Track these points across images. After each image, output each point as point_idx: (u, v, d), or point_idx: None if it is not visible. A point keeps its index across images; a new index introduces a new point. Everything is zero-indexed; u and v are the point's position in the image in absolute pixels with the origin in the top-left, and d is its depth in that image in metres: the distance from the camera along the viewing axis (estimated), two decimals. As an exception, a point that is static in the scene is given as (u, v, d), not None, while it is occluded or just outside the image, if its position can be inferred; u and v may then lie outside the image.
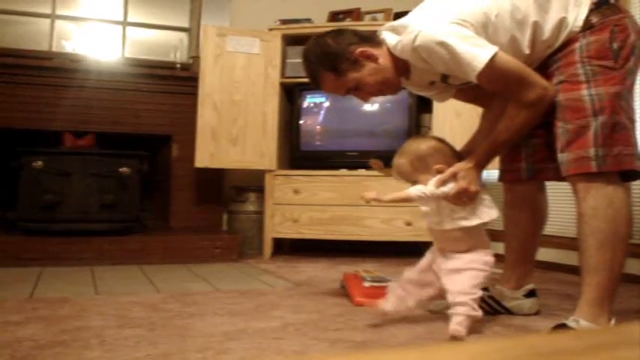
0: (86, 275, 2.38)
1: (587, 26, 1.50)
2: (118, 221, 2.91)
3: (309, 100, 3.22)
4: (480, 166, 1.55)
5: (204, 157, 3.05)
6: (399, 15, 3.49)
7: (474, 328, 1.58)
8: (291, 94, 3.28)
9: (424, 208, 1.58)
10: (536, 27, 1.51)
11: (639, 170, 1.47)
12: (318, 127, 3.23)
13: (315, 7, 3.56)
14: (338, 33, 1.67)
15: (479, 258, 1.53)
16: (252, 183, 3.33)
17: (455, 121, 2.89)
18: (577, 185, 1.47)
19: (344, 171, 3.07)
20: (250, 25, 3.37)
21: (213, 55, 3.07)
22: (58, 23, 3.37)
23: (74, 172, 2.84)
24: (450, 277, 1.52)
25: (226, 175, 3.45)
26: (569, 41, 1.52)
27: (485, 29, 1.49)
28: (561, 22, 1.51)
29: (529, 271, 1.79)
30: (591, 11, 1.50)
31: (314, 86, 1.71)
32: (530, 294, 1.77)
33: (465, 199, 1.51)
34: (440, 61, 1.48)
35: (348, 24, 3.34)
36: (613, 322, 1.45)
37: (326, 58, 1.61)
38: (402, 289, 1.60)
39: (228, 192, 3.45)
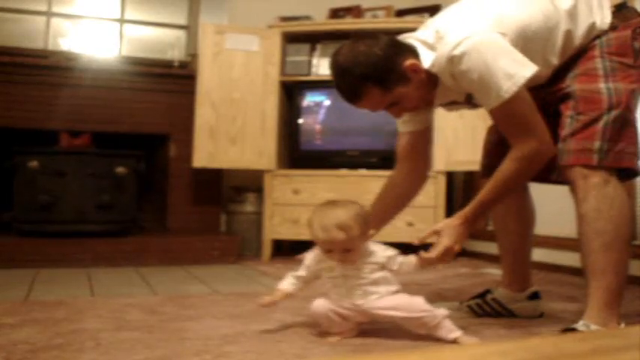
0: (82, 277, 2.36)
1: (610, 28, 1.50)
2: (115, 222, 2.89)
3: (308, 99, 3.20)
4: (469, 223, 1.47)
5: (202, 156, 3.02)
6: (400, 12, 3.48)
7: (478, 330, 1.55)
8: (290, 93, 3.26)
9: (331, 276, 1.46)
10: (569, 36, 1.48)
11: (636, 169, 1.46)
12: (318, 126, 3.20)
13: (314, 4, 3.54)
14: (375, 40, 1.44)
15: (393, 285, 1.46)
16: (251, 183, 3.31)
17: (458, 122, 2.87)
18: (576, 183, 1.44)
19: (344, 171, 3.04)
20: (249, 22, 3.34)
21: (211, 53, 3.04)
22: (54, 21, 3.35)
23: (70, 173, 2.82)
24: (391, 304, 1.42)
25: (225, 175, 3.43)
26: (592, 40, 1.51)
27: (521, 41, 1.42)
28: (591, 27, 1.49)
29: (528, 272, 1.77)
30: (613, 14, 1.50)
31: (349, 101, 1.48)
32: (534, 296, 1.76)
33: (447, 257, 1.46)
34: (467, 79, 1.39)
35: (348, 21, 3.32)
36: (623, 325, 1.42)
37: (374, 70, 1.40)
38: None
39: (227, 192, 3.42)
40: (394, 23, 3.25)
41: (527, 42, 1.42)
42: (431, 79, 1.47)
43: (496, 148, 1.69)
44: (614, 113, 1.42)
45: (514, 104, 1.38)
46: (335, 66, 1.46)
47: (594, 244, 1.41)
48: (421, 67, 1.44)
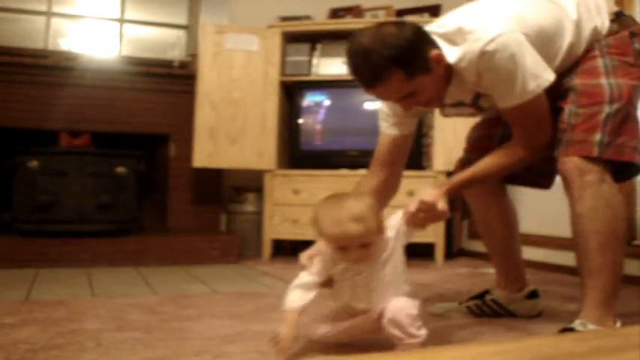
0: (82, 277, 2.36)
1: (610, 33, 1.51)
2: (115, 222, 2.89)
3: (308, 99, 3.20)
4: (450, 194, 1.44)
5: (203, 156, 3.02)
6: (400, 12, 3.47)
7: (478, 330, 1.55)
8: (290, 93, 3.25)
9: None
10: (574, 44, 1.49)
11: (637, 164, 1.45)
12: (318, 126, 3.20)
13: (314, 4, 3.54)
14: (402, 25, 1.40)
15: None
16: (251, 183, 3.31)
17: (458, 121, 2.86)
18: (571, 179, 1.43)
19: (344, 170, 3.04)
20: (249, 22, 3.34)
21: (211, 53, 3.04)
22: (54, 21, 3.35)
23: (70, 172, 2.82)
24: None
25: (225, 175, 3.43)
26: (592, 43, 1.52)
27: (538, 44, 1.43)
28: (593, 31, 1.50)
29: (521, 271, 1.77)
30: (612, 21, 1.52)
31: (366, 84, 1.39)
32: (532, 295, 1.76)
33: (430, 220, 1.39)
34: (493, 76, 1.39)
35: (348, 21, 3.32)
36: (619, 324, 1.43)
37: (403, 53, 1.33)
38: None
39: (227, 192, 3.42)
40: (394, 23, 3.24)
41: (542, 45, 1.43)
42: (447, 74, 1.45)
43: (478, 142, 1.72)
44: (615, 106, 1.42)
45: (535, 104, 1.40)
46: (357, 46, 1.36)
47: (590, 244, 1.41)
48: (445, 59, 1.42)
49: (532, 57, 1.38)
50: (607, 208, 1.40)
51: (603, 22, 1.51)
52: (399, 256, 1.35)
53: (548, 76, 1.40)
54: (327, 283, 1.37)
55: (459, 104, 1.57)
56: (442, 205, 1.38)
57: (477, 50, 1.37)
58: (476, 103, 1.54)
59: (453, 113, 1.65)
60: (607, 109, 1.42)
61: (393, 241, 1.34)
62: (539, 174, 1.67)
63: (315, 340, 1.39)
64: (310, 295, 1.33)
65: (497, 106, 1.46)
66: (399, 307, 1.27)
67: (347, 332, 1.36)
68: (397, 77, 1.35)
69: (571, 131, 1.44)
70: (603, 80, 1.45)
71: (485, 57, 1.37)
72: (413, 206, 1.35)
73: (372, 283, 1.31)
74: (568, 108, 1.47)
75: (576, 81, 1.48)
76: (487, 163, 1.49)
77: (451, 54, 1.41)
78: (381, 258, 1.31)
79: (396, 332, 1.27)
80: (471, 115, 1.66)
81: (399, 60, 1.33)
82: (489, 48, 1.35)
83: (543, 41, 1.44)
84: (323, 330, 1.37)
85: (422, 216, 1.37)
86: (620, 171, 1.45)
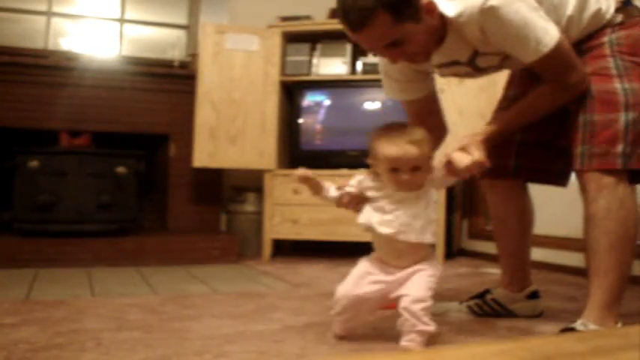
0: (82, 277, 2.36)
1: (616, 22, 1.49)
2: (115, 222, 2.89)
3: (309, 99, 3.20)
4: (490, 143, 1.45)
5: (203, 156, 3.02)
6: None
7: (478, 330, 1.55)
8: (290, 93, 3.25)
9: (382, 217, 1.40)
10: (573, 20, 1.47)
11: None
12: (318, 125, 3.20)
13: (314, 4, 3.53)
14: None
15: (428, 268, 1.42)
16: (251, 183, 3.31)
17: (457, 119, 2.87)
18: (588, 184, 1.44)
19: (345, 170, 3.04)
20: (249, 22, 3.34)
21: (211, 53, 3.04)
22: (54, 21, 3.35)
23: (70, 172, 2.82)
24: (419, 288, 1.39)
25: (225, 175, 3.43)
26: (597, 34, 1.50)
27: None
28: (597, 13, 1.48)
29: (527, 271, 1.77)
30: (618, 9, 1.50)
31: (353, 28, 1.36)
32: (533, 295, 1.76)
33: (477, 170, 1.41)
34: (502, 32, 1.37)
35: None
36: (620, 325, 1.42)
37: None
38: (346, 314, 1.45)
39: (227, 192, 3.42)
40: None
41: (544, 10, 1.41)
42: (440, 30, 1.43)
43: (499, 148, 1.67)
44: (632, 115, 1.41)
45: (554, 54, 1.38)
46: None
47: (601, 244, 1.41)
48: (437, 11, 1.39)
49: (538, 11, 1.36)
50: (621, 210, 1.40)
51: (608, 8, 1.48)
52: (431, 198, 1.41)
53: (555, 29, 1.38)
54: (356, 203, 1.47)
55: (454, 63, 1.53)
56: (478, 154, 1.37)
57: (477, 5, 1.34)
58: (472, 62, 1.51)
59: (448, 73, 1.62)
60: (624, 117, 1.41)
61: (430, 182, 1.40)
62: (557, 173, 1.67)
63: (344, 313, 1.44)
64: (339, 192, 1.47)
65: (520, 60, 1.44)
66: (415, 300, 1.34)
67: (376, 298, 1.42)
68: (384, 21, 1.32)
69: (589, 142, 1.43)
70: (617, 85, 1.43)
71: (489, 12, 1.34)
72: (450, 159, 1.38)
73: (400, 210, 1.37)
74: (582, 116, 1.46)
75: (590, 86, 1.46)
76: (522, 107, 1.48)
77: (450, 8, 1.39)
78: (416, 191, 1.38)
79: (410, 318, 1.32)
80: (467, 75, 1.62)
81: (387, 2, 1.30)
82: (493, 3, 1.33)
83: (545, 6, 1.41)
84: (360, 290, 1.43)
85: (459, 170, 1.38)
86: (636, 173, 1.45)
